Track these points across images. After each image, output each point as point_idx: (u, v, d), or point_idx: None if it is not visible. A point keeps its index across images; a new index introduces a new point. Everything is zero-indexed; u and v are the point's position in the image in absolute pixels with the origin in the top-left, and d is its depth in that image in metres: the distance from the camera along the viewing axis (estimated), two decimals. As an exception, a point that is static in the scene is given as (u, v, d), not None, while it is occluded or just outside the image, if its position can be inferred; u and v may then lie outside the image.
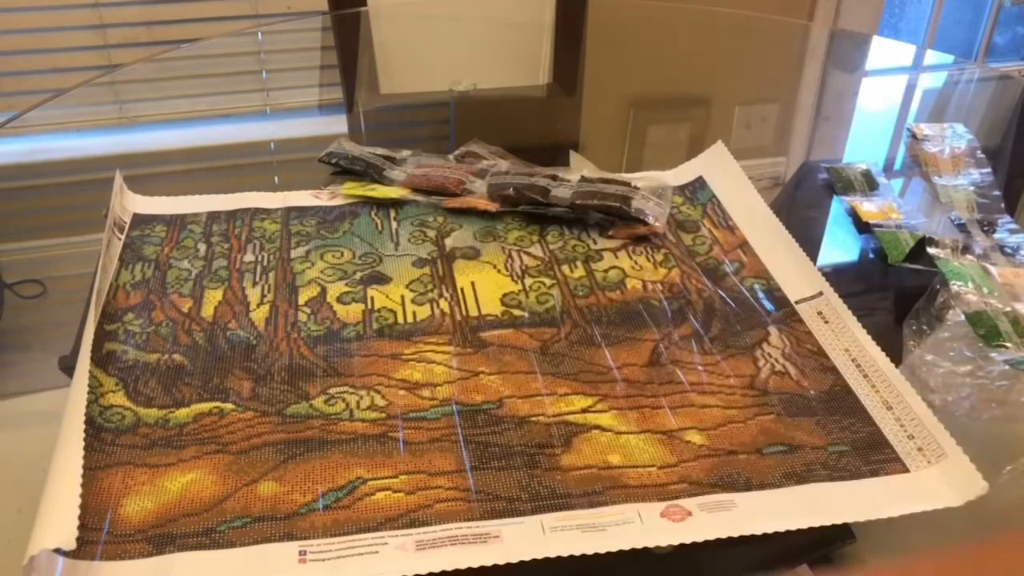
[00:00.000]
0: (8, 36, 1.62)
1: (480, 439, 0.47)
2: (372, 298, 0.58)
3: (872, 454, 0.46)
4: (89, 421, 0.46)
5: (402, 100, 1.01)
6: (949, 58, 1.29)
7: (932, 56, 1.30)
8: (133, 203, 0.67)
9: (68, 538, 0.37)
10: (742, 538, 0.41)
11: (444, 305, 0.57)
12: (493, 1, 1.29)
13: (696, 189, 0.72)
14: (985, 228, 0.69)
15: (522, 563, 0.40)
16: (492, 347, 0.54)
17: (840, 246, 0.69)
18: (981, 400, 0.51)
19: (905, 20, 2.55)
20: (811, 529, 0.42)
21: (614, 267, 0.62)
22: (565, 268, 0.62)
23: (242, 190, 0.70)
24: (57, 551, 0.39)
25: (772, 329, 0.56)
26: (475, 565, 0.39)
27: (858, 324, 0.55)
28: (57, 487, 0.40)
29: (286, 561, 0.40)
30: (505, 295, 0.59)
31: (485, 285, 0.60)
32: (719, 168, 0.72)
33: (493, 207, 0.68)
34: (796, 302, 0.58)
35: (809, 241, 0.65)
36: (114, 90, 1.03)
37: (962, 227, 0.70)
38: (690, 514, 0.42)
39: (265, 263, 0.61)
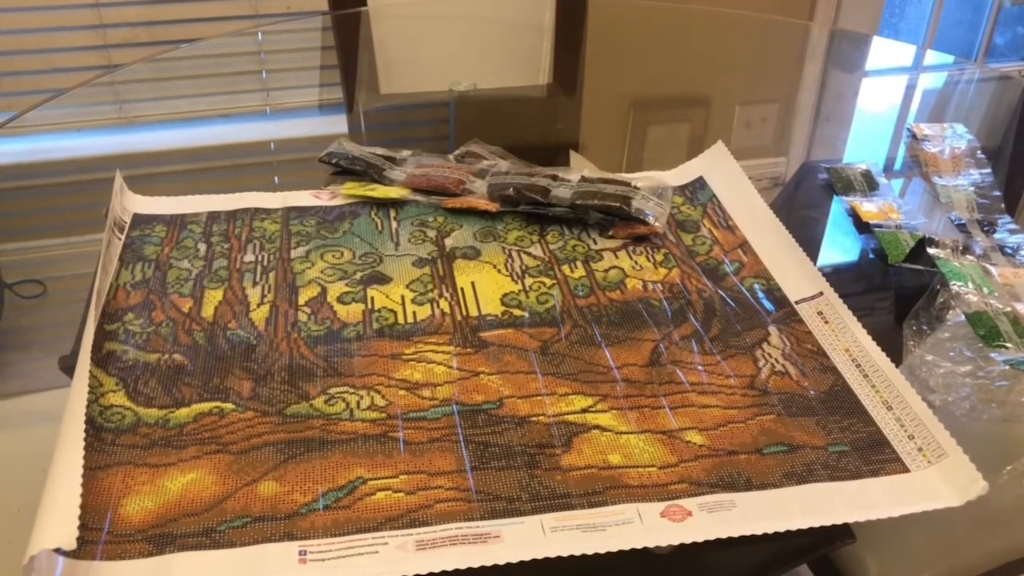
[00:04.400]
0: (8, 36, 1.62)
1: (480, 439, 0.47)
2: (372, 298, 0.58)
3: (872, 454, 0.46)
4: (89, 421, 0.46)
5: (402, 100, 1.01)
6: (949, 58, 1.29)
7: (932, 56, 1.29)
8: (133, 203, 0.67)
9: (68, 538, 0.37)
10: (742, 538, 0.41)
11: (444, 305, 0.57)
12: (493, 1, 1.29)
13: (696, 189, 0.72)
14: (985, 228, 0.69)
15: (522, 563, 0.40)
16: (492, 347, 0.54)
17: (840, 246, 0.69)
18: (981, 400, 0.51)
19: (905, 20, 2.55)
20: (811, 529, 0.42)
21: (614, 267, 0.62)
22: (565, 268, 0.62)
23: (242, 190, 0.70)
24: (57, 551, 0.39)
25: (772, 329, 0.56)
26: (475, 565, 0.39)
27: (858, 324, 0.55)
28: (57, 487, 0.40)
29: (286, 561, 0.40)
30: (505, 295, 0.59)
31: (485, 285, 0.60)
32: (719, 168, 0.72)
33: (493, 207, 0.68)
34: (796, 302, 0.58)
35: (809, 241, 0.65)
36: (114, 90, 1.03)
37: (962, 227, 0.70)
38: (690, 514, 0.42)
39: (265, 263, 0.61)
